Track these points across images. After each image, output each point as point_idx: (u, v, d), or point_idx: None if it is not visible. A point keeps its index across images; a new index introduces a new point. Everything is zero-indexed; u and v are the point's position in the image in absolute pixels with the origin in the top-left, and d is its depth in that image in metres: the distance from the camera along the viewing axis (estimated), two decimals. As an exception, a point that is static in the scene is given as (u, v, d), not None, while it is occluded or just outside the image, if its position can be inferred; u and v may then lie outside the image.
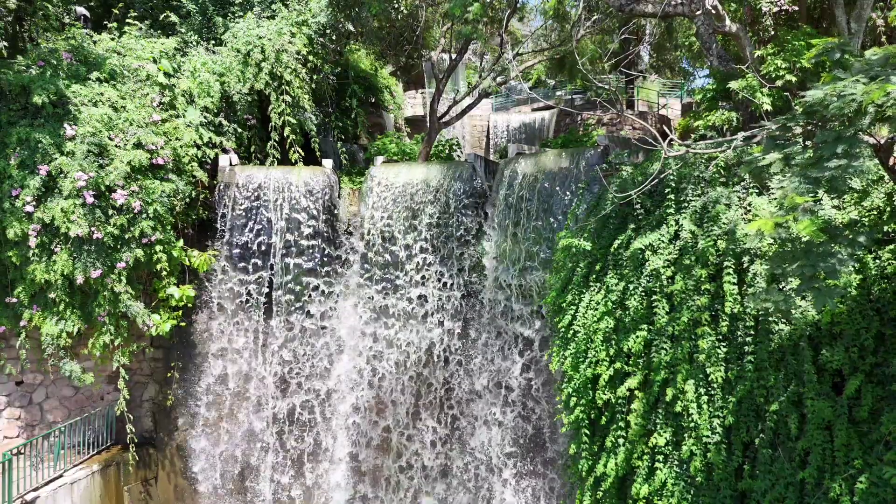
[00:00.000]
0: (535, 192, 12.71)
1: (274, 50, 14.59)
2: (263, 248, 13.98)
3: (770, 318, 8.40)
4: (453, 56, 17.93)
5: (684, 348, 8.98)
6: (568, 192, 12.25)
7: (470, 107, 18.23)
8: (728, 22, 12.71)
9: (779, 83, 11.29)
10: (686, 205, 9.64)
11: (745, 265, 8.81)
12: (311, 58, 15.37)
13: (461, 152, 19.71)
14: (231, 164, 14.09)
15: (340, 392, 14.11)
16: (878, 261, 7.94)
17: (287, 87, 14.74)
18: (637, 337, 9.42)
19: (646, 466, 9.19)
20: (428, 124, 17.87)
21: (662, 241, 9.59)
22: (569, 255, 10.70)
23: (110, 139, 12.24)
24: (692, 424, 8.76)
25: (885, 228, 7.92)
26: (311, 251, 14.05)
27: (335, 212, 14.33)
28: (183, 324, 13.52)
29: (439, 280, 13.72)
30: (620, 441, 9.51)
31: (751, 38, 13.23)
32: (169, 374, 13.84)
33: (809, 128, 6.53)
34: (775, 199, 8.20)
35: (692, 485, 8.78)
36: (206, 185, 13.85)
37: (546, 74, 27.55)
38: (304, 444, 14.17)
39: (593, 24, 17.83)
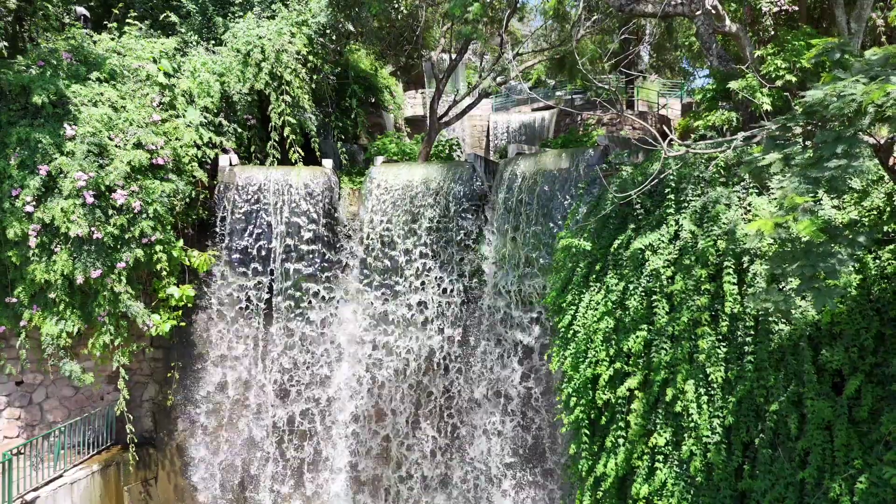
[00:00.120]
0: (534, 195, 12.66)
1: (274, 50, 14.59)
2: (263, 252, 13.90)
3: (770, 318, 8.40)
4: (453, 56, 17.93)
5: (684, 348, 8.99)
6: (568, 197, 12.19)
7: (470, 107, 18.22)
8: (728, 22, 12.71)
9: (779, 83, 11.29)
10: (686, 205, 9.64)
11: (745, 265, 8.81)
12: (311, 58, 15.37)
13: (461, 152, 19.71)
14: (231, 164, 14.09)
15: (341, 400, 14.04)
16: (878, 261, 7.94)
17: (287, 87, 14.74)
18: (637, 337, 9.42)
19: (646, 466, 9.19)
20: (428, 124, 17.87)
21: (662, 241, 9.59)
22: (569, 254, 10.70)
23: (110, 139, 12.24)
24: (692, 424, 8.76)
25: (885, 228, 7.92)
26: (311, 256, 13.97)
27: (336, 215, 14.26)
28: (183, 324, 13.51)
29: (439, 286, 13.63)
30: (620, 441, 9.51)
31: (751, 38, 13.23)
32: (169, 375, 13.84)
33: (809, 128, 6.53)
34: (775, 199, 8.20)
35: (692, 485, 8.79)
36: (206, 185, 13.85)
37: (546, 74, 27.55)
38: (303, 452, 14.10)
39: (593, 24, 17.83)
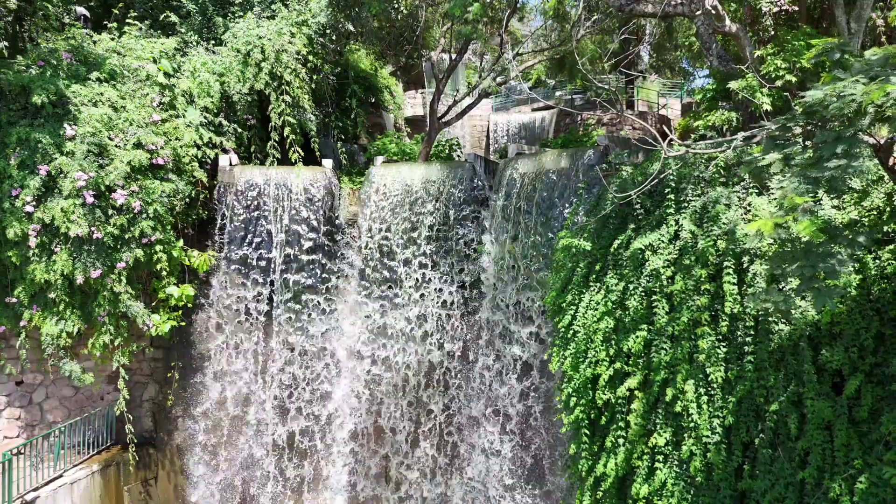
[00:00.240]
0: (532, 203, 12.54)
1: (274, 50, 14.59)
2: (263, 262, 13.79)
3: (770, 318, 8.40)
4: (453, 56, 17.93)
5: (684, 348, 8.98)
6: (567, 205, 12.07)
7: (470, 107, 18.22)
8: (728, 22, 12.71)
9: (779, 83, 11.29)
10: (686, 205, 9.64)
11: (745, 265, 8.81)
12: (311, 58, 15.37)
13: (461, 152, 19.70)
14: (231, 164, 14.09)
15: (340, 418, 13.94)
16: (878, 261, 7.94)
17: (287, 87, 14.74)
18: (637, 337, 9.42)
19: (646, 466, 9.19)
20: (428, 124, 17.87)
21: (662, 241, 9.59)
22: (569, 254, 10.70)
23: (110, 139, 12.24)
24: (692, 424, 8.76)
25: (885, 228, 7.92)
26: (311, 267, 13.86)
27: (336, 222, 14.14)
28: (183, 323, 13.50)
29: (438, 297, 13.49)
30: (620, 441, 9.51)
31: (751, 38, 13.23)
32: (169, 375, 13.84)
33: (809, 128, 6.53)
34: (775, 199, 8.20)
35: (692, 485, 8.78)
36: (206, 185, 13.85)
37: (546, 74, 27.54)
38: (303, 471, 14.01)
39: (593, 24, 17.82)
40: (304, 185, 13.89)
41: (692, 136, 12.51)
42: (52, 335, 12.01)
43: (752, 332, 8.54)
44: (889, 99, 5.56)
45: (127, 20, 14.48)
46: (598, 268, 10.34)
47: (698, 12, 12.60)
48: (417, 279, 13.61)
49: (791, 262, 6.22)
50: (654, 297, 9.45)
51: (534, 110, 26.62)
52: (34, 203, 11.67)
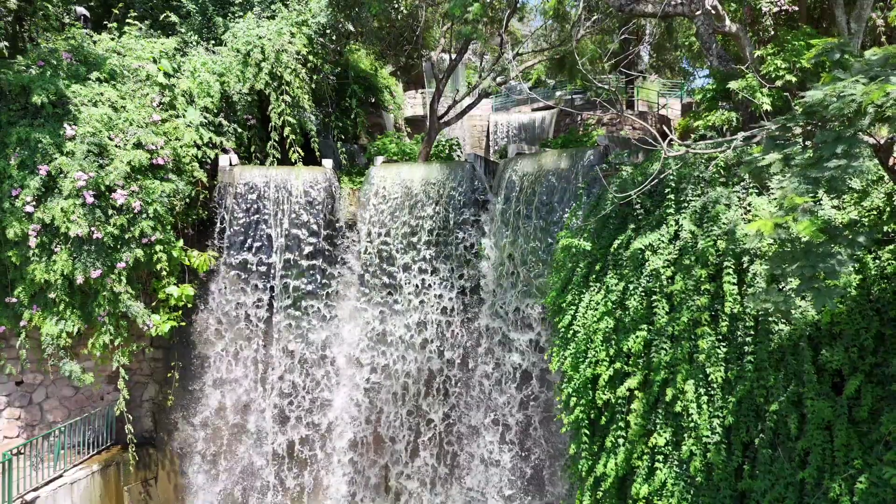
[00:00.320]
0: (532, 207, 12.51)
1: (274, 50, 14.59)
2: (263, 268, 13.73)
3: (770, 318, 8.40)
4: (453, 56, 17.93)
5: (684, 348, 8.99)
6: (567, 210, 11.97)
7: (470, 107, 18.22)
8: (728, 22, 12.71)
9: (779, 83, 11.29)
10: (686, 205, 9.64)
11: (745, 265, 8.81)
12: (311, 58, 15.37)
13: (461, 152, 19.70)
14: (231, 164, 14.08)
15: (340, 427, 13.85)
16: (877, 261, 7.94)
17: (287, 87, 14.74)
18: (637, 337, 9.42)
19: (646, 466, 9.19)
20: (428, 124, 17.87)
21: (662, 241, 9.59)
22: (569, 254, 10.70)
23: (110, 139, 12.24)
24: (692, 424, 8.76)
25: (885, 228, 7.92)
26: (311, 273, 13.77)
27: (337, 224, 14.04)
28: (183, 324, 13.50)
29: (438, 303, 13.39)
30: (620, 441, 9.51)
31: (751, 38, 13.23)
32: (169, 375, 13.84)
33: (809, 128, 6.54)
34: (775, 199, 8.21)
35: (692, 485, 8.78)
36: (206, 185, 13.85)
37: (546, 74, 27.54)
38: (303, 480, 13.92)
39: (593, 24, 17.83)
40: (304, 188, 13.80)
41: (692, 136, 12.51)
42: (52, 335, 12.01)
43: (752, 332, 8.54)
44: (889, 99, 5.56)
45: (127, 20, 14.48)
46: (598, 268, 10.34)
47: (698, 12, 12.60)
48: (417, 285, 13.52)
49: (791, 262, 6.22)
50: (654, 297, 9.45)
51: (534, 110, 26.63)
52: (34, 203, 11.68)
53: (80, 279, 11.75)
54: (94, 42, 13.60)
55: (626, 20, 18.71)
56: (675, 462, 8.95)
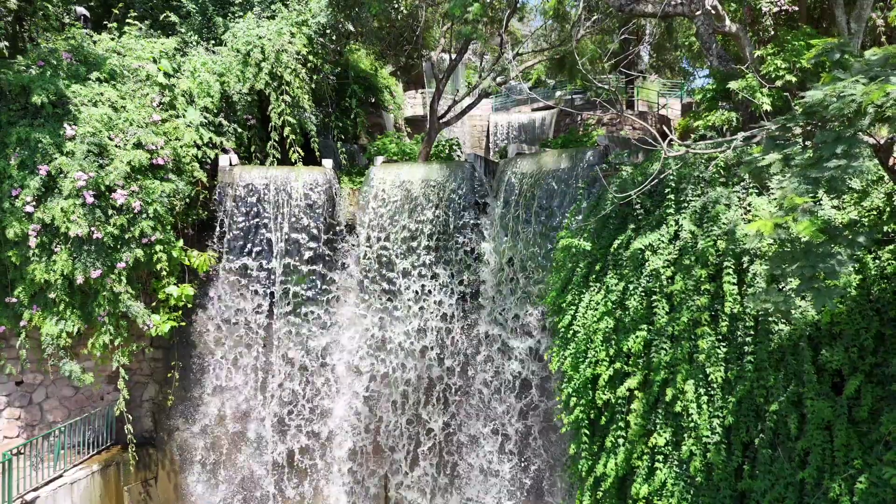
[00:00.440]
0: (531, 212, 12.42)
1: (274, 50, 14.58)
2: (263, 273, 13.64)
3: (770, 318, 8.40)
4: (453, 56, 17.93)
5: (684, 348, 8.99)
6: (566, 214, 11.88)
7: (470, 107, 18.22)
8: (728, 22, 12.71)
9: (779, 83, 11.29)
10: (686, 205, 9.64)
11: (745, 265, 8.82)
12: (311, 58, 15.37)
13: (461, 152, 19.69)
14: (231, 164, 14.08)
15: (340, 436, 13.76)
16: (877, 261, 7.94)
17: (287, 87, 14.73)
18: (637, 337, 9.42)
19: (646, 466, 9.19)
20: (428, 124, 17.87)
21: (662, 241, 9.59)
22: (569, 254, 10.70)
23: (110, 139, 12.24)
24: (692, 424, 8.76)
25: (885, 228, 7.92)
26: (311, 278, 13.68)
27: (338, 228, 13.91)
28: (183, 324, 13.50)
29: (438, 309, 13.26)
30: (620, 441, 9.51)
31: (751, 38, 13.23)
32: (169, 375, 13.84)
33: (809, 128, 6.54)
34: (775, 199, 8.21)
35: (692, 485, 8.79)
36: (206, 185, 13.85)
37: (546, 74, 27.54)
38: (303, 490, 13.82)
39: (593, 24, 17.82)
40: (304, 191, 13.67)
41: (692, 136, 12.51)
42: (52, 335, 12.01)
43: (752, 332, 8.54)
44: (889, 99, 5.56)
45: (127, 20, 14.48)
46: (598, 268, 10.34)
47: (698, 12, 12.60)
48: (417, 291, 13.38)
49: (791, 262, 6.22)
50: (654, 297, 9.45)
51: (534, 110, 26.64)
52: (34, 203, 11.67)
53: (80, 279, 11.74)
54: (94, 42, 13.60)
55: (626, 20, 18.71)
56: (675, 462, 8.96)
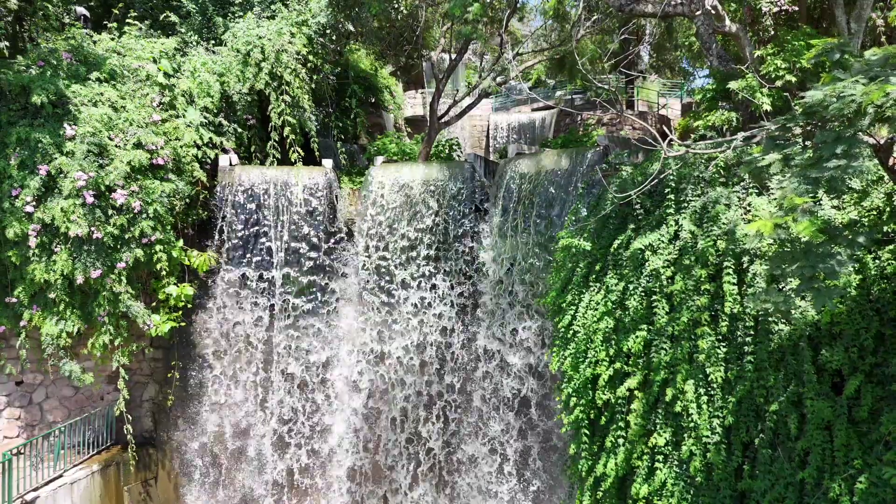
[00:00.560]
0: (530, 221, 12.34)
1: (274, 50, 14.59)
2: (264, 284, 13.54)
3: (770, 319, 8.40)
4: (453, 56, 17.94)
5: (684, 348, 8.99)
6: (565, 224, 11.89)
7: (470, 107, 18.22)
8: (728, 22, 12.71)
9: (779, 83, 11.29)
10: (686, 205, 9.64)
11: (745, 265, 8.81)
12: (311, 58, 15.37)
13: (461, 152, 19.71)
14: (231, 164, 14.08)
15: (339, 454, 13.64)
16: (877, 261, 7.94)
17: (287, 87, 14.74)
18: (637, 337, 9.42)
19: (646, 466, 9.19)
20: (428, 124, 17.88)
21: (662, 241, 9.59)
22: (569, 254, 10.70)
23: (110, 139, 12.24)
24: (692, 424, 8.76)
25: (885, 228, 7.92)
26: (311, 290, 13.57)
27: (339, 236, 13.80)
28: (183, 324, 13.50)
29: (437, 323, 13.13)
30: (620, 441, 9.51)
31: (751, 38, 13.23)
32: (169, 375, 13.84)
33: (809, 128, 6.54)
34: (775, 199, 8.21)
35: (692, 485, 8.79)
36: (206, 185, 13.85)
37: (546, 74, 27.55)
38: None
39: (593, 24, 17.83)
40: (304, 197, 13.54)
41: (692, 136, 12.51)
42: (52, 335, 12.01)
43: (752, 332, 8.54)
44: (889, 99, 5.56)
45: (127, 20, 14.48)
46: (598, 268, 10.33)
47: (698, 12, 12.60)
48: (416, 303, 13.21)
49: (791, 262, 6.22)
50: (654, 297, 9.45)
51: (534, 110, 26.64)
52: (34, 203, 11.67)
53: (80, 279, 11.74)
54: (94, 42, 13.60)
55: (626, 20, 18.72)
56: (675, 462, 8.96)
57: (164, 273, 12.77)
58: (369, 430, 13.53)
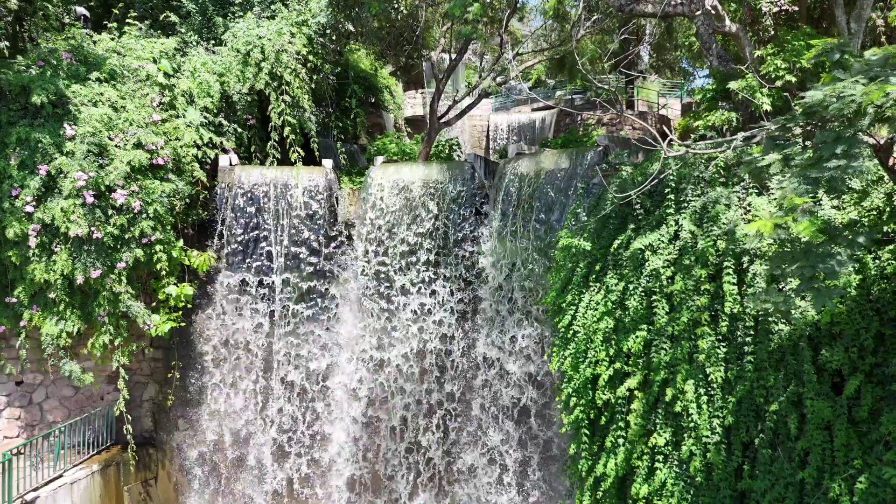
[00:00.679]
0: (529, 226, 12.29)
1: (274, 50, 14.59)
2: (264, 290, 13.48)
3: (770, 319, 8.40)
4: (453, 56, 17.94)
5: (684, 348, 8.99)
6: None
7: (470, 107, 18.23)
8: (728, 22, 12.71)
9: (779, 83, 11.29)
10: (686, 205, 9.64)
11: (745, 265, 8.81)
12: (311, 58, 15.37)
13: (461, 152, 19.70)
14: (231, 164, 14.08)
15: (338, 464, 13.57)
16: (877, 261, 7.94)
17: (287, 87, 14.74)
18: (637, 337, 9.42)
19: (646, 466, 9.19)
20: (428, 124, 17.88)
21: (662, 242, 9.59)
22: (569, 254, 10.69)
23: (110, 139, 12.24)
24: (692, 424, 8.76)
25: (885, 228, 7.92)
26: (311, 296, 13.47)
27: (339, 240, 13.71)
28: (183, 324, 13.50)
29: (437, 330, 13.04)
30: (620, 441, 9.51)
31: (751, 38, 13.23)
32: (169, 375, 13.84)
33: (809, 128, 6.54)
34: (775, 199, 8.21)
35: (692, 485, 8.79)
36: (206, 185, 13.85)
37: (546, 74, 27.55)
38: None
39: (593, 24, 17.83)
40: (304, 199, 13.46)
41: (692, 136, 12.51)
42: (52, 335, 12.01)
43: (752, 332, 8.54)
44: (889, 99, 5.56)
45: (127, 20, 14.48)
46: (598, 268, 10.33)
47: (698, 12, 12.60)
48: (415, 310, 13.10)
49: (791, 262, 6.22)
50: (654, 297, 9.45)
51: (534, 110, 26.64)
52: (34, 203, 11.67)
53: (80, 279, 11.74)
54: (94, 42, 13.60)
55: (626, 20, 18.71)
56: (675, 462, 8.96)
57: (164, 273, 12.77)
58: (369, 439, 13.44)
